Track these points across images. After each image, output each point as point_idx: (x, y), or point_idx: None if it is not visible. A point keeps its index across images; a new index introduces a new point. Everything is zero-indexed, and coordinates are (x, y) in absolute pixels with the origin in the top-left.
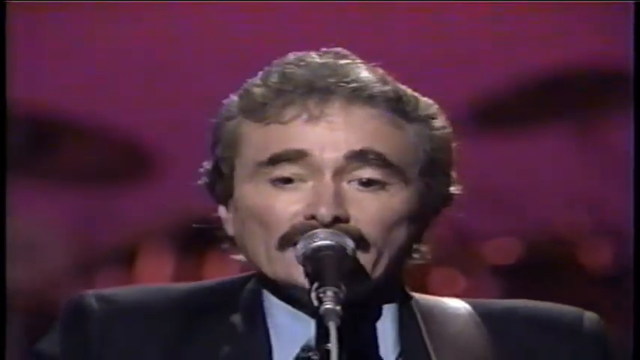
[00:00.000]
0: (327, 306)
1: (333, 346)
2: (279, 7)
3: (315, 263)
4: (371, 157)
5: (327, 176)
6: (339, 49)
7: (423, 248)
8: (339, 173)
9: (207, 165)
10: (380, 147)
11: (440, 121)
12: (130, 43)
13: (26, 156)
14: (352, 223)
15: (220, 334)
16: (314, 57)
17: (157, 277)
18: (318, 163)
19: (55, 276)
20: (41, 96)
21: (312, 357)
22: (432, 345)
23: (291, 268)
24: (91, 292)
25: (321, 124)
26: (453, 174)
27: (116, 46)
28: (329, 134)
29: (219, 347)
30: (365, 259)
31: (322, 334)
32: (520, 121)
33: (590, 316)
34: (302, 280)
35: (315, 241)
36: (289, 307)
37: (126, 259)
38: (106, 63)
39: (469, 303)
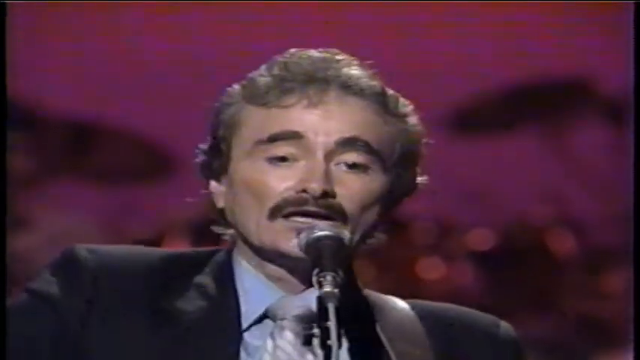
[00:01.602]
0: (327, 289)
1: (332, 324)
2: (293, 8)
3: (316, 251)
4: (358, 143)
5: (319, 157)
6: (334, 49)
7: (381, 235)
8: (329, 155)
9: (202, 146)
10: (366, 136)
11: (414, 119)
12: (139, 41)
13: (63, 157)
14: (337, 199)
15: (193, 292)
16: (313, 52)
17: None
18: (311, 145)
19: None
20: (46, 98)
21: (315, 333)
22: (380, 328)
23: (277, 237)
24: (82, 245)
25: (318, 111)
26: (419, 168)
27: (119, 46)
28: (323, 121)
29: (193, 302)
30: None
31: (322, 314)
32: (497, 125)
33: (505, 324)
34: (284, 247)
35: (315, 232)
36: (259, 274)
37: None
38: (110, 63)
39: (406, 302)
